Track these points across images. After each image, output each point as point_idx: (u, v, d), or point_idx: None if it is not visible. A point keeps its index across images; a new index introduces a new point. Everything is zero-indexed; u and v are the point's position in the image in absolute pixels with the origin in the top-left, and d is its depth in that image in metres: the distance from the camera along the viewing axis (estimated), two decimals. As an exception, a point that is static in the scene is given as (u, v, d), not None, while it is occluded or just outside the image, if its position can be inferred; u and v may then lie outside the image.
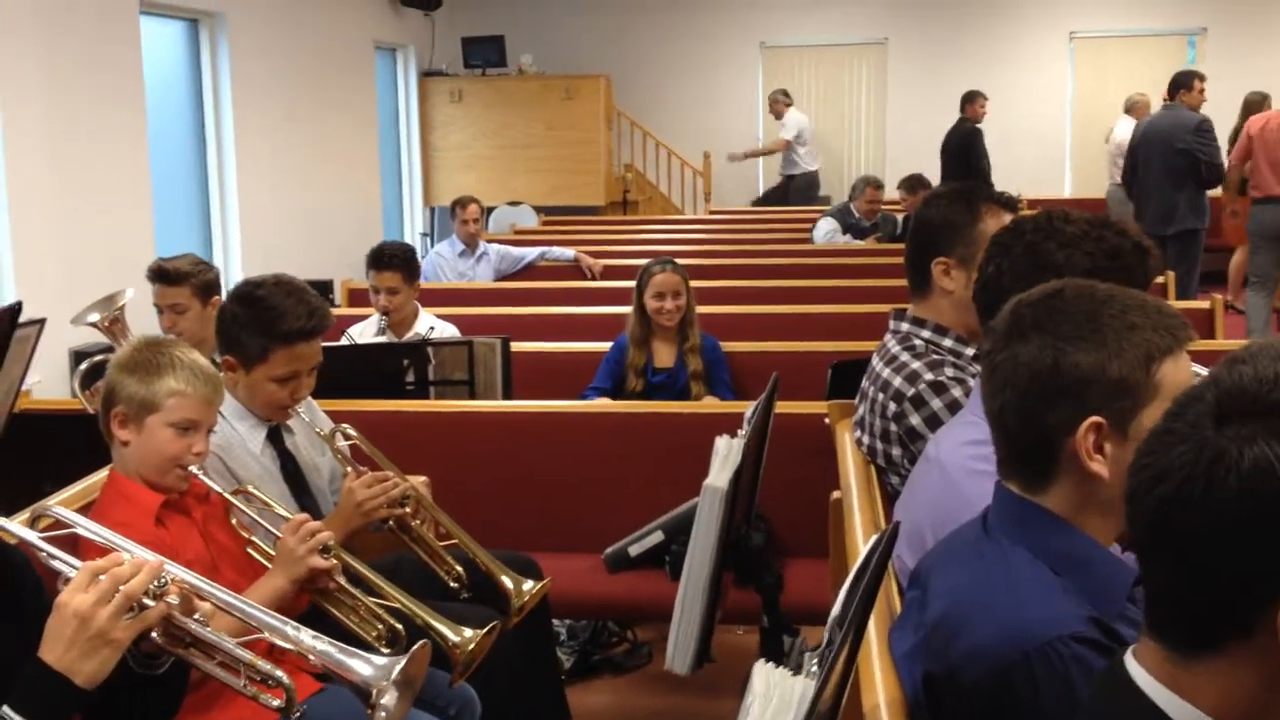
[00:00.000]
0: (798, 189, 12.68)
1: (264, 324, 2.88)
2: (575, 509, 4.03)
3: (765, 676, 1.14)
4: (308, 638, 1.84)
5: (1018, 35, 13.78)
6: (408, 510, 2.88)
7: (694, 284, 5.16)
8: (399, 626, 2.47)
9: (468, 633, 2.47)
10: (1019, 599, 1.48)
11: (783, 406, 3.69)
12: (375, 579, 2.55)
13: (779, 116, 12.77)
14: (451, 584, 2.87)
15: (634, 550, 3.87)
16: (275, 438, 3.01)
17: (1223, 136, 9.09)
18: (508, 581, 2.87)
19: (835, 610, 1.27)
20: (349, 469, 2.93)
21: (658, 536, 3.85)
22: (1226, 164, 8.83)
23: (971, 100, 11.17)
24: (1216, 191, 9.05)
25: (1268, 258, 8.47)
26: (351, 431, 3.02)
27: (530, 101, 12.70)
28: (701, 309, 5.21)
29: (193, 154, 8.95)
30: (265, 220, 9.29)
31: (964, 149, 10.91)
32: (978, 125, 11.12)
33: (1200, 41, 13.60)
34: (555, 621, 4.26)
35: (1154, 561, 1.15)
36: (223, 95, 9.03)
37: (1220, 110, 10.55)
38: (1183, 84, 8.83)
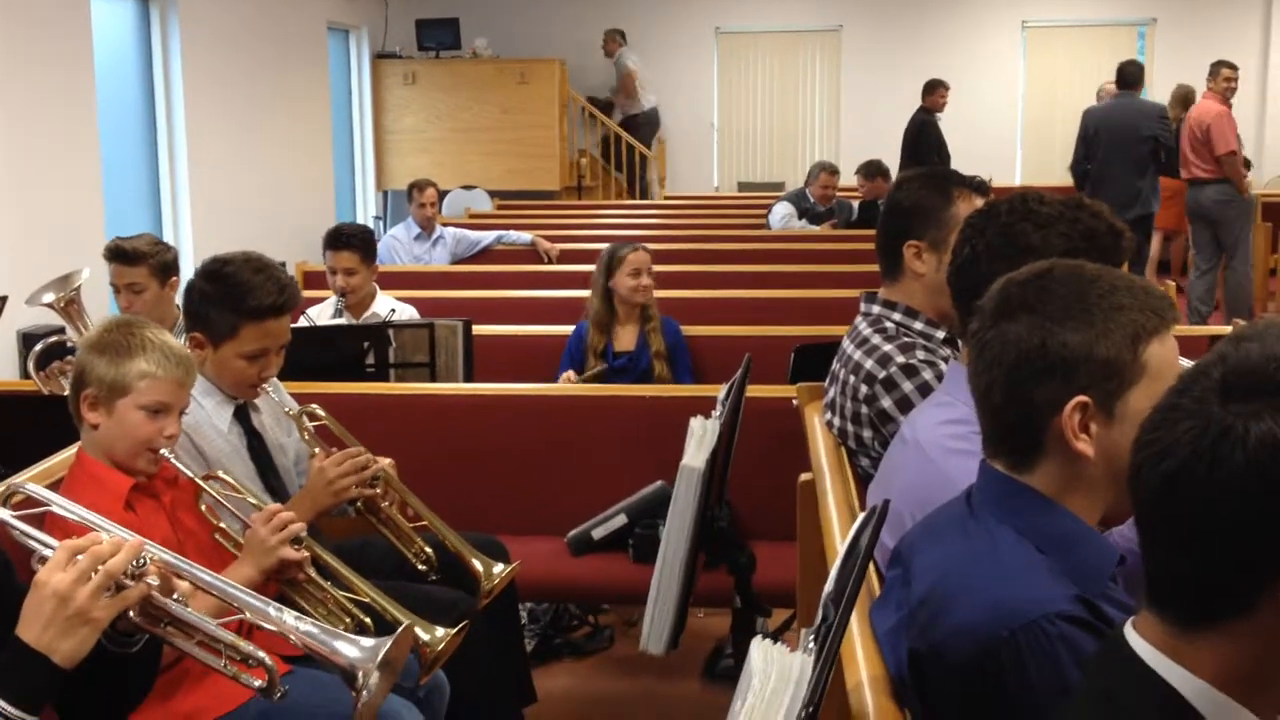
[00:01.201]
0: (647, 124, 13.33)
1: (233, 300, 2.85)
2: (539, 492, 4.02)
3: (764, 653, 1.14)
4: (291, 619, 1.82)
5: (971, 24, 13.87)
6: (377, 491, 2.86)
7: (655, 268, 5.16)
8: (368, 621, 2.45)
9: (439, 632, 2.46)
10: (1005, 577, 1.49)
11: (747, 390, 3.71)
12: (345, 572, 2.54)
13: (611, 54, 13.27)
14: (420, 566, 2.85)
15: (597, 533, 3.87)
16: (242, 416, 2.98)
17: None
18: (478, 564, 2.86)
19: (829, 587, 1.28)
20: (317, 449, 2.90)
21: (621, 520, 3.85)
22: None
23: (932, 90, 11.28)
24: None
25: (1198, 234, 9.10)
26: (320, 411, 3.00)
27: (485, 85, 12.62)
28: (660, 293, 5.21)
29: (144, 135, 8.82)
30: (217, 202, 9.18)
31: (920, 137, 11.03)
32: (936, 114, 11.22)
33: (1150, 32, 13.76)
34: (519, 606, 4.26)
35: (1157, 536, 1.16)
36: (173, 75, 8.91)
37: (1167, 99, 10.69)
38: (1138, 75, 9.26)
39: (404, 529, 2.88)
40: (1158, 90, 10.59)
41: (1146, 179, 9.00)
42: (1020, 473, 1.59)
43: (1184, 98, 10.01)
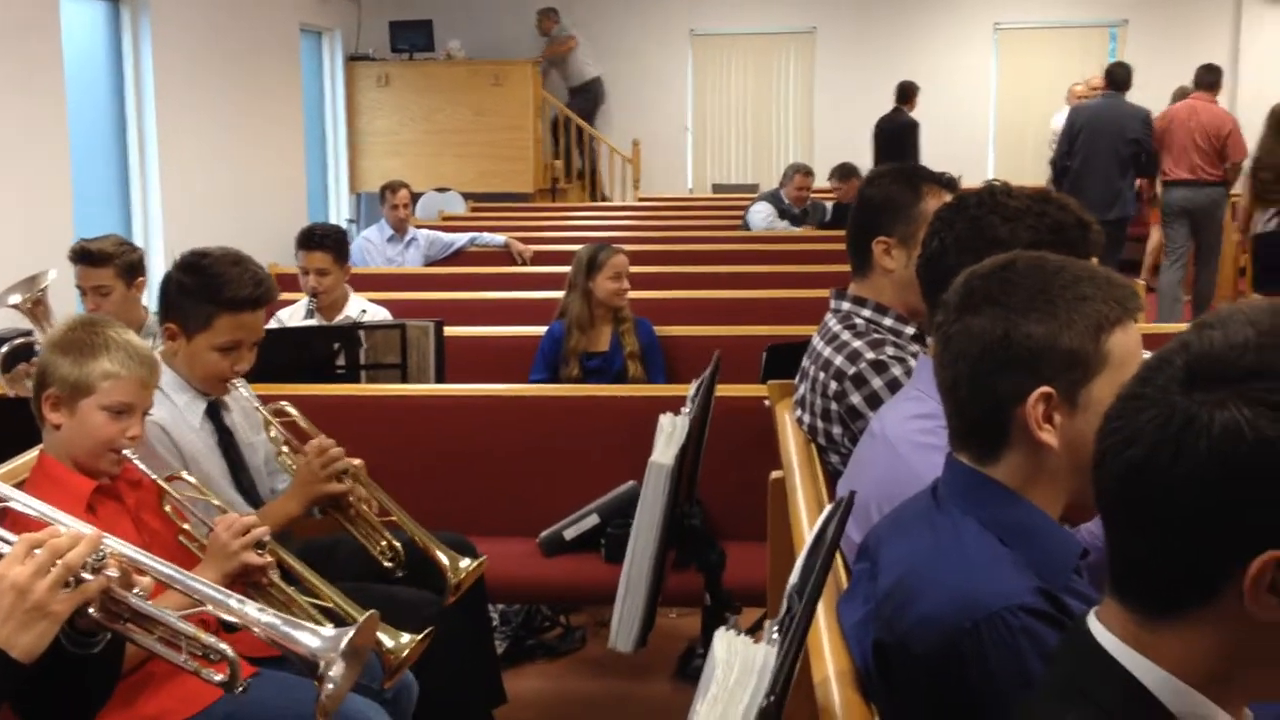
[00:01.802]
0: (592, 96, 13.43)
1: (210, 290, 2.85)
2: (510, 493, 4.00)
3: (727, 644, 1.13)
4: (253, 610, 1.80)
5: (943, 26, 13.91)
6: (348, 485, 2.87)
7: (630, 269, 5.17)
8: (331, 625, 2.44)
9: (404, 639, 2.46)
10: (969, 569, 1.49)
11: (718, 390, 3.71)
12: (310, 576, 2.52)
13: (548, 32, 13.31)
14: (387, 563, 2.84)
15: (569, 534, 3.85)
16: (214, 413, 2.97)
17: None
18: (444, 558, 2.86)
19: (794, 579, 1.27)
20: (284, 447, 2.90)
21: (593, 520, 3.84)
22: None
23: (915, 94, 11.37)
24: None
25: (1175, 231, 9.25)
26: (290, 409, 2.99)
27: (459, 87, 12.59)
28: (634, 294, 5.20)
29: (114, 136, 8.76)
30: (188, 204, 9.12)
31: (898, 140, 11.09)
32: (913, 118, 11.31)
33: (1121, 34, 13.82)
34: (489, 606, 4.24)
35: (1121, 525, 1.15)
36: (144, 77, 8.84)
37: (1141, 101, 10.76)
38: (1127, 77, 9.32)
39: (373, 523, 2.88)
40: (1134, 89, 10.71)
41: (1126, 181, 9.12)
42: (985, 464, 1.59)
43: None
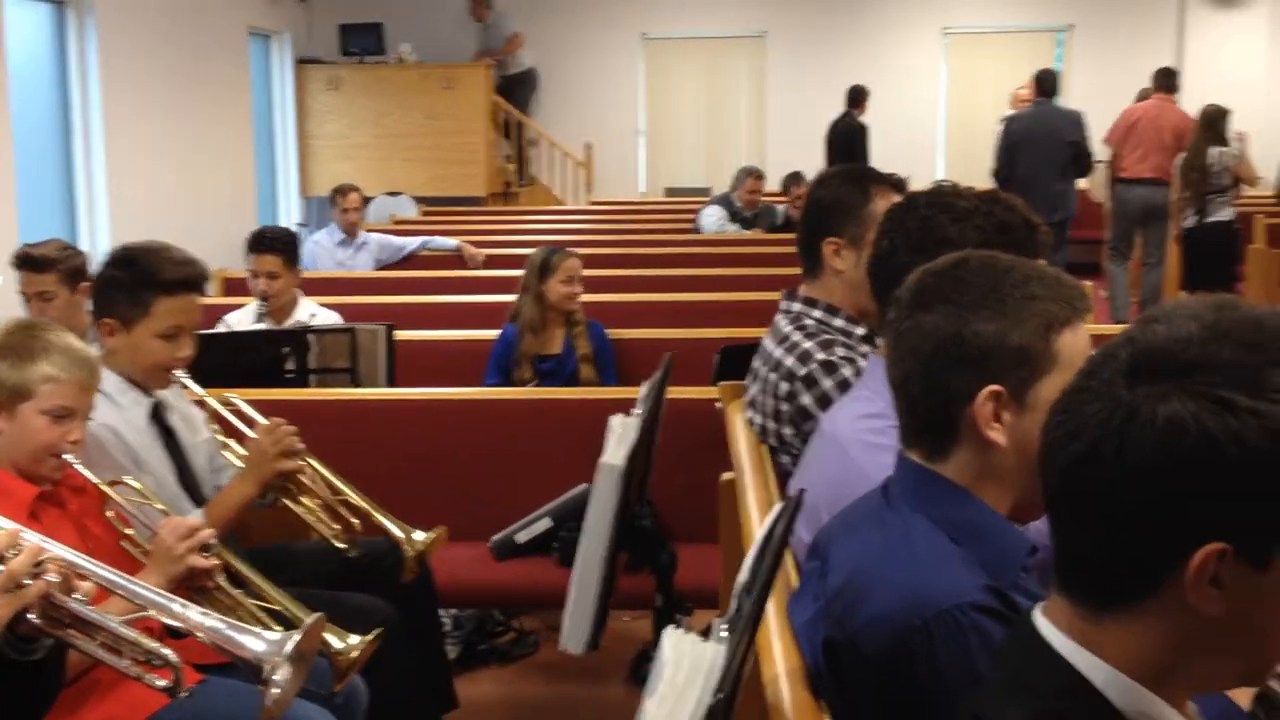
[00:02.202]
0: (525, 85, 13.43)
1: (144, 277, 2.85)
2: (462, 497, 3.97)
3: (675, 643, 1.12)
4: (195, 614, 1.78)
5: (892, 30, 14.00)
6: (301, 464, 2.89)
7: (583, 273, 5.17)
8: (279, 629, 2.41)
9: (353, 639, 2.45)
10: (919, 567, 1.49)
11: (671, 392, 3.70)
12: (258, 580, 2.50)
13: (482, 19, 13.28)
14: (341, 545, 2.84)
15: (521, 537, 3.83)
16: (157, 415, 2.95)
17: (1098, 130, 9.73)
18: (398, 531, 2.87)
19: (743, 577, 1.26)
20: (230, 440, 2.89)
21: (546, 523, 3.82)
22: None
23: (865, 98, 11.48)
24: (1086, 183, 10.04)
25: (1125, 228, 9.58)
26: (235, 399, 3.02)
27: (410, 91, 12.53)
28: (587, 297, 5.19)
29: (59, 141, 8.65)
30: (135, 210, 9.02)
31: (848, 143, 11.17)
32: (863, 122, 11.38)
33: (1068, 38, 13.97)
34: (441, 611, 4.21)
35: (1065, 519, 1.16)
36: (90, 81, 8.74)
37: (1088, 104, 10.92)
38: (1054, 83, 9.61)
39: (327, 504, 2.88)
40: (1077, 95, 10.90)
41: (1066, 184, 9.34)
42: (935, 462, 1.60)
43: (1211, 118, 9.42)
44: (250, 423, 2.98)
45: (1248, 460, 1.03)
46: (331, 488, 2.93)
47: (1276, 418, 1.03)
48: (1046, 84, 9.55)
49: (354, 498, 2.92)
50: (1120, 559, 1.11)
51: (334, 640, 2.38)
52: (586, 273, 5.16)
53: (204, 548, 2.37)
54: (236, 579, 2.50)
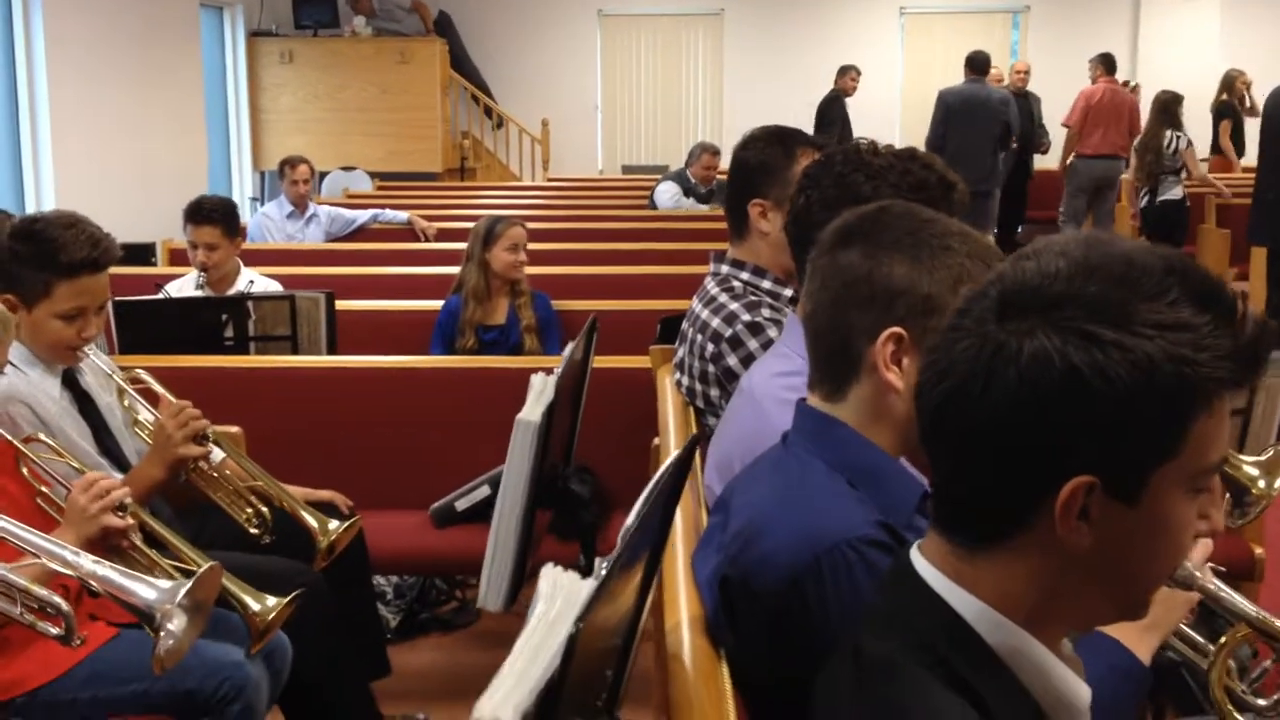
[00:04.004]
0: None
1: (45, 256, 2.74)
2: (402, 465, 3.96)
3: (553, 580, 1.13)
4: (87, 562, 1.77)
5: (850, 9, 14.03)
6: (208, 449, 2.79)
7: (533, 246, 5.19)
8: None
9: (270, 601, 2.41)
10: (812, 506, 1.49)
11: (608, 361, 3.70)
12: (173, 539, 2.45)
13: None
14: (254, 530, 2.79)
15: (460, 505, 3.83)
16: (69, 380, 2.89)
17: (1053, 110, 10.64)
18: (312, 521, 2.81)
19: (630, 520, 1.26)
20: (140, 415, 2.83)
21: (484, 491, 3.81)
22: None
23: (843, 74, 11.81)
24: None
25: (1081, 202, 10.33)
26: (144, 374, 2.93)
27: (364, 64, 12.43)
28: (536, 270, 5.18)
29: (4, 112, 8.54)
30: (84, 184, 8.91)
31: (828, 112, 11.64)
32: (845, 97, 11.72)
33: (1023, 19, 14.03)
34: (382, 579, 4.20)
35: (939, 456, 1.17)
36: (35, 51, 8.61)
37: (1042, 85, 10.98)
38: (985, 62, 10.26)
39: (238, 489, 2.81)
40: (1034, 75, 11.11)
41: (997, 157, 10.00)
42: (834, 401, 1.61)
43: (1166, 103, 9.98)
44: (156, 401, 2.88)
45: (1112, 393, 1.04)
46: (244, 474, 2.86)
47: (1142, 351, 1.04)
48: (977, 63, 10.11)
49: (267, 486, 2.84)
50: (991, 496, 1.12)
51: (251, 601, 2.36)
52: (540, 247, 5.15)
53: (120, 507, 2.34)
54: (157, 541, 2.47)
